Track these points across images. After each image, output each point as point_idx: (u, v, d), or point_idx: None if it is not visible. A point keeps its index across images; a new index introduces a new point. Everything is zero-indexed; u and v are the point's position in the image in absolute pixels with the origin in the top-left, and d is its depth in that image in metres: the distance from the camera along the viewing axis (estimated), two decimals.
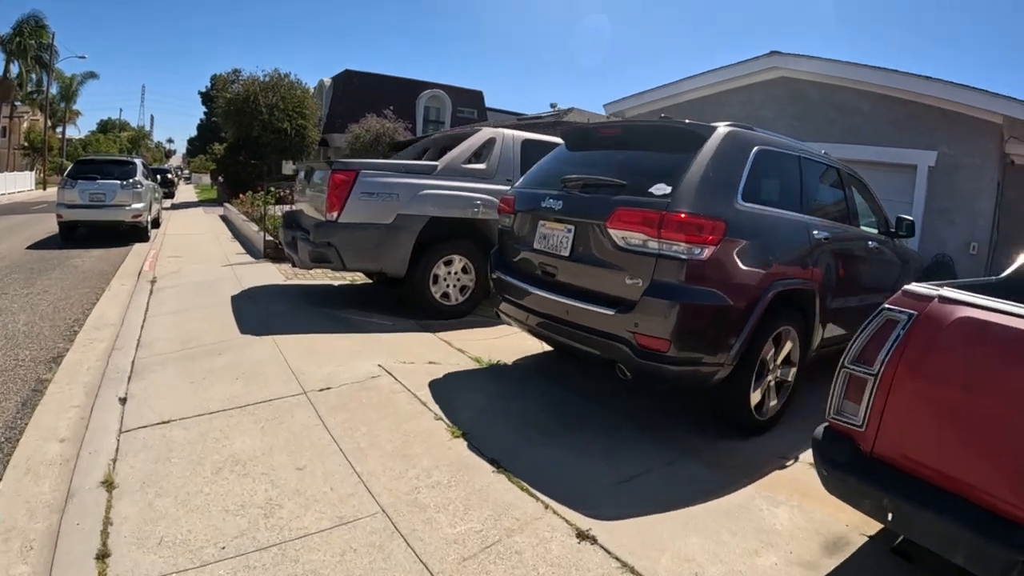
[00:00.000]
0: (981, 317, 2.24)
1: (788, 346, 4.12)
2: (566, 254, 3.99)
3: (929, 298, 2.38)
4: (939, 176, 8.77)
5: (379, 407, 3.95)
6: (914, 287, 2.49)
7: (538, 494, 3.06)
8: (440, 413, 3.90)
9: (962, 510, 2.11)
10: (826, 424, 2.62)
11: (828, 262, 4.46)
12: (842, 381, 2.52)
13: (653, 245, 3.49)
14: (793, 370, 4.21)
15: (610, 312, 3.60)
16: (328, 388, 4.20)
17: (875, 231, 5.61)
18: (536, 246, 4.25)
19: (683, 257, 3.43)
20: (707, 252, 3.46)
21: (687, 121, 4.10)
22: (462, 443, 3.54)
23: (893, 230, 5.71)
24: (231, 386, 4.21)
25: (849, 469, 2.43)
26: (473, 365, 4.98)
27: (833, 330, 4.67)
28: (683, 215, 3.45)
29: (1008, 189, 8.67)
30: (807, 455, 3.63)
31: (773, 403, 4.10)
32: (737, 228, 3.63)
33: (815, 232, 4.33)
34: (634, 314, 3.51)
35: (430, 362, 4.90)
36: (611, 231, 3.69)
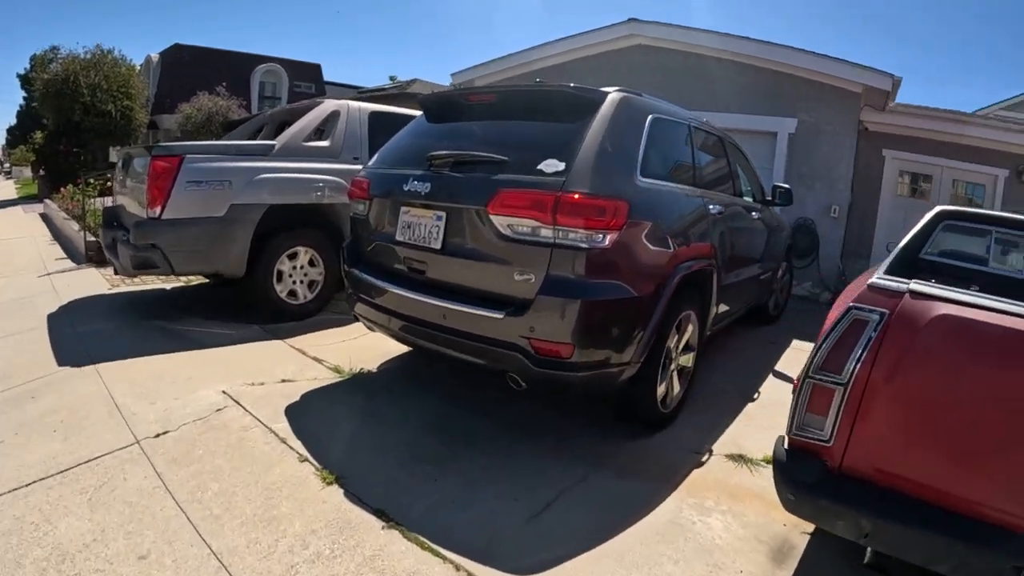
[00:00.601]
0: (963, 315, 2.02)
1: (689, 330, 3.85)
2: (437, 246, 3.35)
3: (899, 293, 2.10)
4: (799, 143, 9.08)
5: (230, 453, 3.18)
6: (879, 281, 2.18)
7: (444, 552, 2.49)
8: (305, 452, 3.19)
9: (947, 521, 2.00)
10: (784, 440, 2.31)
11: (722, 237, 4.26)
12: (805, 393, 2.19)
13: (547, 233, 2.96)
14: (692, 355, 3.96)
15: (498, 315, 3.03)
16: (165, 432, 3.37)
17: (750, 200, 5.49)
18: (399, 237, 3.57)
19: (583, 246, 2.93)
20: (610, 238, 2.99)
21: (573, 85, 3.53)
22: (338, 492, 2.87)
23: (770, 198, 5.61)
24: (50, 442, 3.26)
25: (820, 491, 2.15)
26: (334, 377, 4.27)
27: (724, 308, 4.52)
28: (581, 196, 2.94)
29: (861, 154, 9.20)
30: (719, 444, 3.66)
31: (676, 392, 3.83)
32: (640, 208, 3.19)
33: (710, 207, 4.12)
34: (528, 316, 2.97)
35: (283, 380, 4.14)
36: (494, 217, 3.10)
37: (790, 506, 2.26)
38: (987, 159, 9.17)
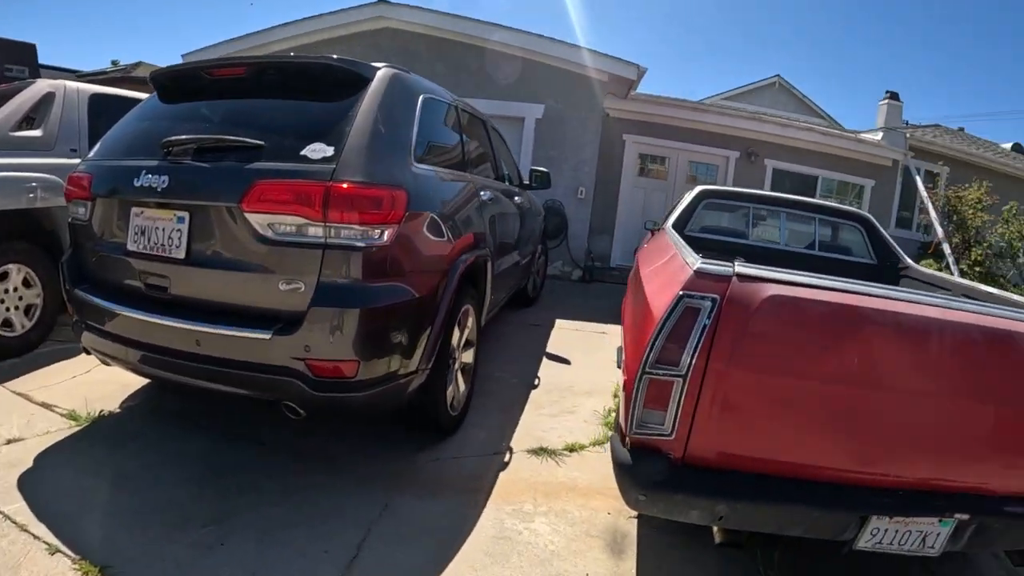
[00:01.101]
0: (791, 294, 2.04)
1: (469, 325, 3.63)
2: (181, 255, 2.67)
3: (726, 277, 2.04)
4: (547, 128, 9.41)
5: None
6: (704, 266, 2.09)
7: None
8: (55, 540, 2.33)
9: (796, 489, 2.09)
10: (622, 440, 2.17)
11: (492, 225, 4.10)
12: (642, 389, 2.03)
13: (317, 232, 2.49)
14: (473, 350, 3.74)
15: (265, 335, 2.49)
16: None
17: (510, 184, 5.45)
18: (132, 246, 2.81)
19: (360, 245, 2.52)
20: (389, 234, 2.60)
21: (338, 57, 3.00)
22: None
23: (527, 182, 5.61)
24: None
25: (672, 486, 2.07)
26: (70, 427, 3.28)
27: (495, 297, 4.38)
28: (355, 186, 2.51)
29: (604, 138, 9.78)
30: (517, 440, 3.52)
31: (462, 391, 3.60)
32: (417, 198, 2.85)
33: (482, 193, 3.94)
34: (302, 333, 2.49)
35: (9, 441, 3.06)
36: (250, 216, 2.53)
37: (640, 506, 2.15)
38: (720, 142, 10.45)
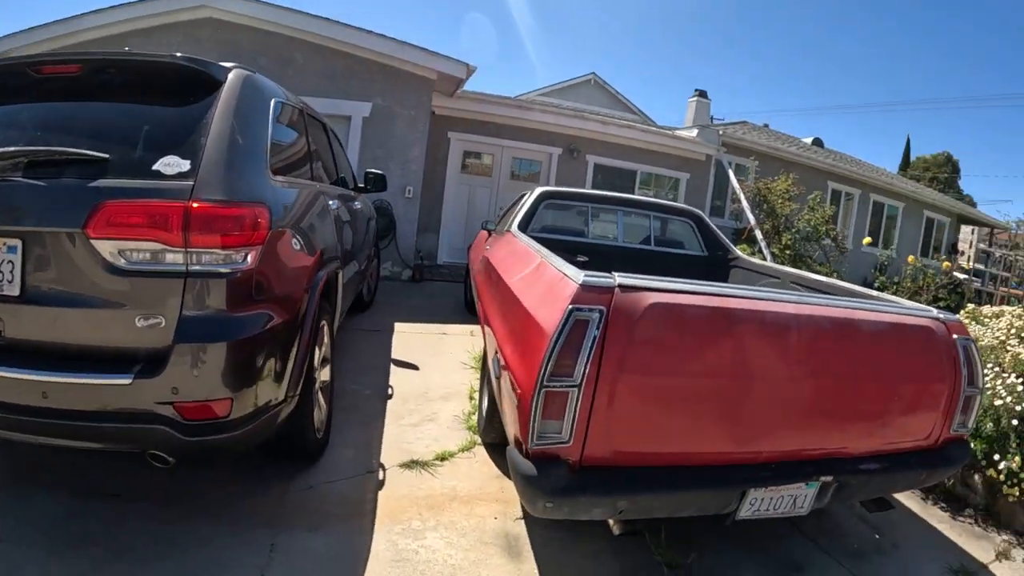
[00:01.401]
0: (671, 301, 2.23)
1: (326, 342, 3.47)
2: (15, 292, 2.24)
3: (610, 289, 2.17)
4: (374, 126, 9.10)
5: None
6: (588, 279, 2.21)
7: None
8: None
9: (686, 476, 2.31)
10: (520, 451, 2.23)
11: (340, 234, 3.97)
12: (539, 402, 2.08)
13: (176, 259, 2.23)
14: (329, 368, 3.56)
15: (125, 380, 2.18)
16: None
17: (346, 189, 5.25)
18: None
19: (224, 271, 2.31)
20: (253, 256, 2.40)
21: (183, 55, 2.66)
22: None
23: (363, 185, 5.49)
24: None
25: (576, 490, 2.16)
26: None
27: (342, 307, 4.25)
28: (216, 205, 2.30)
29: (431, 136, 9.69)
30: (387, 455, 3.45)
31: (324, 411, 3.42)
32: (277, 213, 2.67)
33: (330, 202, 3.80)
34: (168, 374, 2.21)
35: None
36: (98, 243, 2.20)
37: (548, 512, 2.21)
38: (543, 139, 10.77)
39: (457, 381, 4.75)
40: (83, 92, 2.69)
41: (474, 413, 4.13)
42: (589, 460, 2.18)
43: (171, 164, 2.31)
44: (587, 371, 2.06)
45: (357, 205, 5.08)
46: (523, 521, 2.93)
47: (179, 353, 2.22)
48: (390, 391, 4.38)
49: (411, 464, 3.34)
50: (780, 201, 11.50)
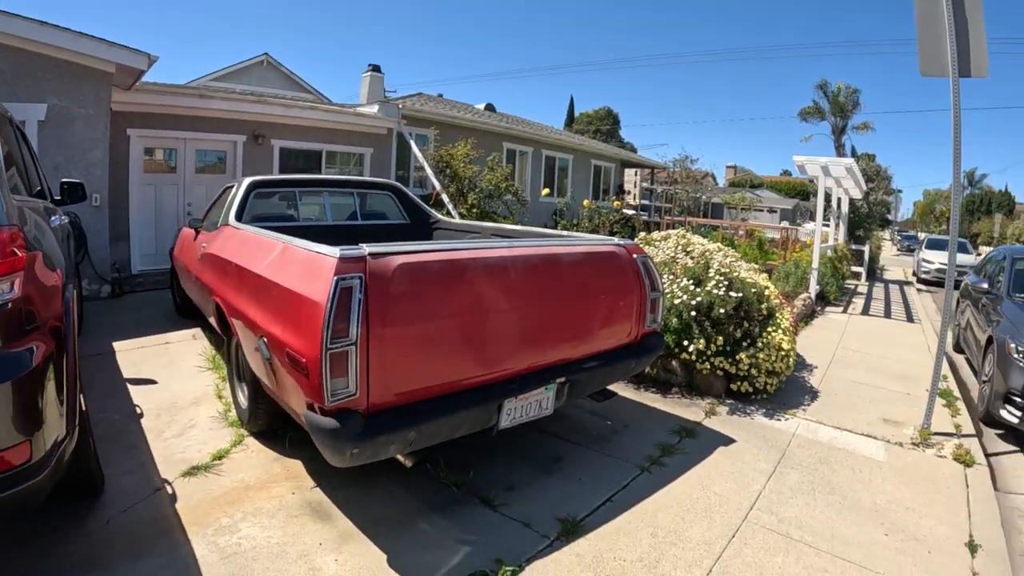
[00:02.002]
0: (415, 260, 2.73)
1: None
2: None
3: (362, 258, 2.57)
4: (52, 130, 7.88)
5: None
6: (345, 252, 2.57)
7: None
8: None
9: (454, 401, 2.82)
10: (318, 412, 2.55)
11: (66, 250, 3.85)
12: (326, 364, 2.43)
13: None
14: (82, 395, 3.31)
15: None
16: None
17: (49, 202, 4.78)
18: None
19: None
20: (19, 283, 2.26)
21: None
22: None
23: (59, 197, 5.02)
24: None
25: (372, 434, 2.54)
26: None
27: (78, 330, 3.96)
28: None
29: (111, 135, 8.69)
30: (165, 469, 3.41)
31: (92, 440, 3.16)
32: (28, 234, 2.54)
33: (53, 218, 3.58)
34: None
35: None
36: None
37: (354, 459, 2.58)
38: (227, 128, 10.20)
39: (200, 385, 4.75)
40: None
41: (230, 410, 4.19)
42: (376, 406, 2.57)
43: None
44: (359, 330, 2.45)
45: (58, 220, 4.64)
46: (318, 489, 3.20)
47: None
48: (139, 410, 4.21)
49: (193, 471, 3.38)
50: (462, 165, 12.40)
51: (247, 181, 5.28)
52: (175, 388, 4.67)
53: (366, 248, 2.61)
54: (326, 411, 2.48)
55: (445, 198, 11.57)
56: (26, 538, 2.77)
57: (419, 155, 12.57)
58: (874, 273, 19.22)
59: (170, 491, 3.19)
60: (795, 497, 3.50)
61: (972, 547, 3.14)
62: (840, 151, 37.55)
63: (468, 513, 3.07)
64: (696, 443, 4.13)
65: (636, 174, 27.15)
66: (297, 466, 3.46)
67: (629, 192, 24.30)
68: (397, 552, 2.72)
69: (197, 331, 6.23)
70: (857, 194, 15.36)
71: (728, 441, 4.21)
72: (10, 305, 2.19)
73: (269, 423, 3.71)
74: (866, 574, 2.82)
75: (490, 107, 21.58)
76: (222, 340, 5.00)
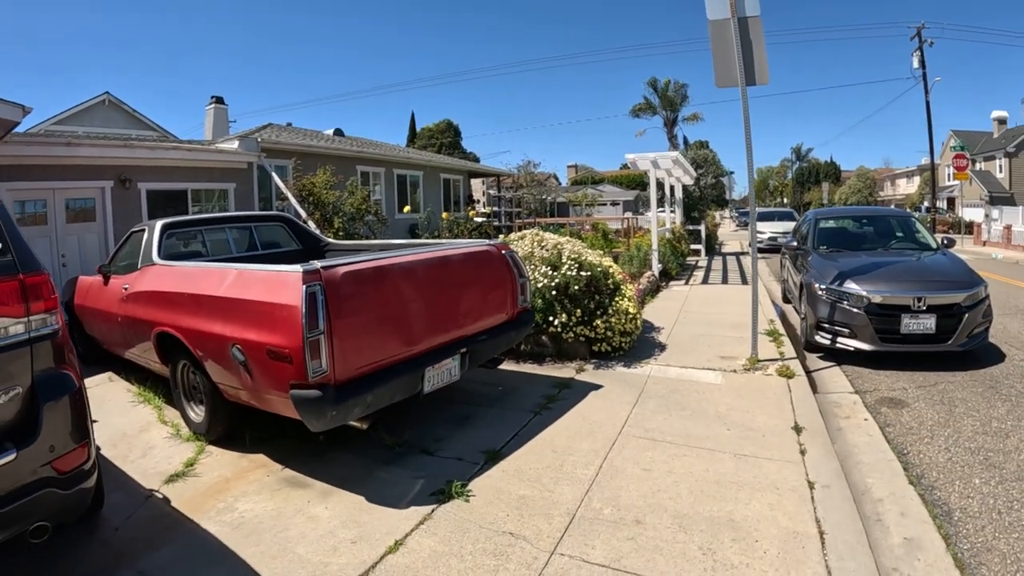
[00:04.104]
0: (355, 268, 3.70)
1: None
2: None
3: (317, 270, 3.48)
4: None
5: None
6: (307, 267, 3.46)
7: None
8: None
9: (393, 371, 3.80)
10: (303, 388, 3.37)
11: None
12: (308, 350, 3.31)
13: (18, 329, 2.48)
14: None
15: (10, 456, 2.34)
16: None
17: None
18: None
19: (48, 332, 2.59)
20: (60, 316, 2.73)
21: None
22: None
23: None
24: None
25: (342, 400, 3.45)
26: None
27: None
28: (32, 275, 2.58)
29: None
30: (146, 483, 3.82)
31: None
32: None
33: None
34: (43, 437, 2.43)
35: None
36: None
37: (333, 420, 3.47)
38: (94, 174, 9.84)
39: (140, 416, 5.10)
40: None
41: (181, 428, 4.62)
42: (340, 379, 3.48)
43: None
44: (324, 323, 3.37)
45: None
46: (288, 469, 3.92)
47: (49, 411, 2.47)
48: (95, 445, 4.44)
49: (173, 478, 3.85)
50: (324, 192, 12.98)
51: (159, 224, 5.34)
52: (117, 423, 4.93)
53: (317, 263, 3.55)
54: (309, 386, 3.35)
55: (312, 225, 11.89)
56: (48, 558, 3.09)
57: (281, 186, 12.92)
58: (713, 248, 21.86)
59: (160, 496, 3.65)
60: (655, 416, 4.70)
61: (797, 429, 4.39)
62: (673, 142, 41.04)
63: (413, 460, 4.01)
64: (572, 392, 5.30)
65: (483, 183, 28.34)
66: (262, 458, 4.09)
67: (478, 201, 25.44)
68: (371, 493, 3.56)
69: (111, 374, 6.37)
70: (688, 180, 17.53)
71: (597, 387, 5.42)
72: (60, 333, 2.64)
73: (228, 428, 4.28)
74: (715, 454, 3.99)
75: (339, 132, 22.20)
76: (149, 375, 5.43)
